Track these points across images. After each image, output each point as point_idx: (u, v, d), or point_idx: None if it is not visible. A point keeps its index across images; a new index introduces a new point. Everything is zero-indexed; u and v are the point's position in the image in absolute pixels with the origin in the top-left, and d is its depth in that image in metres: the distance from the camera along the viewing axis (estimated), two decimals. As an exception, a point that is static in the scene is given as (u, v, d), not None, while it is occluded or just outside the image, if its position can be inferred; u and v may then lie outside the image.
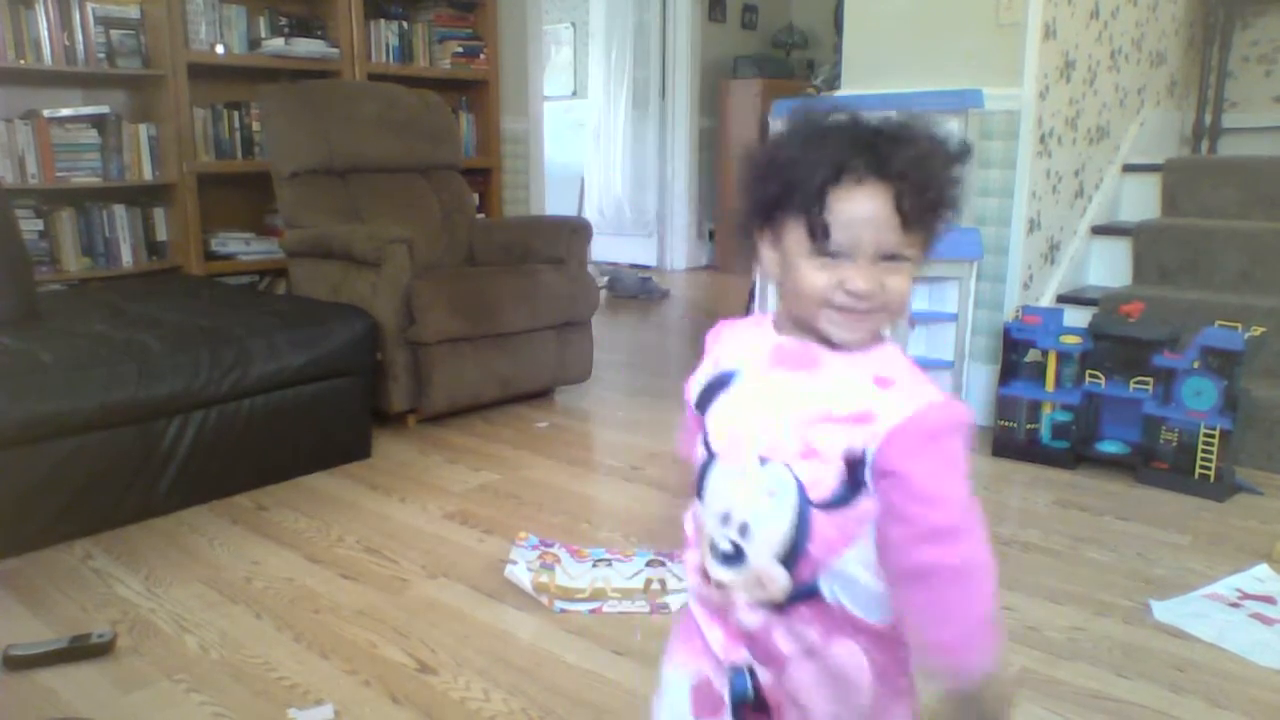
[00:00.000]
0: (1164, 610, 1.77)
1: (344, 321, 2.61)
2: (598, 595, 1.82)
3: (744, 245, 0.82)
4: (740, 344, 0.87)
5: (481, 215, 4.30)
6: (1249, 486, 2.41)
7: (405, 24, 4.25)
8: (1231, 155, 3.93)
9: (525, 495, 2.41)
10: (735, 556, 0.81)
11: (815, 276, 0.76)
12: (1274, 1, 4.07)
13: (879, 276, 0.75)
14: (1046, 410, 2.63)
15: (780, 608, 0.80)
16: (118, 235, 3.47)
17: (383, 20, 4.17)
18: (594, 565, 1.94)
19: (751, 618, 0.82)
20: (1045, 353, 2.60)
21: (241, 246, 3.78)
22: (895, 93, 2.90)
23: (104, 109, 3.42)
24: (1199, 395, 2.36)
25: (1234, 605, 1.79)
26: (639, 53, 6.66)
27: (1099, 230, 3.27)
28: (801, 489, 0.77)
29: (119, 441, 2.14)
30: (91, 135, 3.37)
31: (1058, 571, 1.96)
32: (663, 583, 1.86)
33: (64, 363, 2.07)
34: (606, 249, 6.80)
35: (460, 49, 4.45)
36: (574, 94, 7.23)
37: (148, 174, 3.50)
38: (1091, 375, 2.55)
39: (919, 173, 0.74)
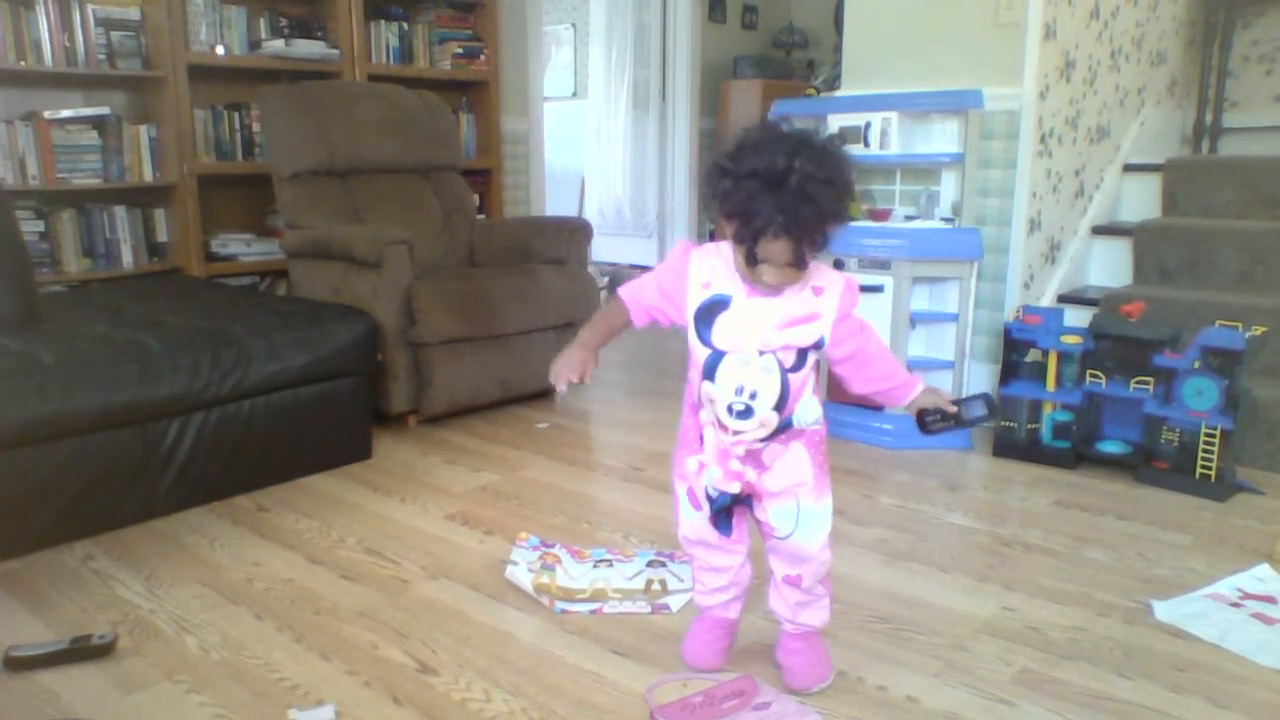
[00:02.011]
0: (1165, 610, 1.77)
1: (344, 322, 2.61)
2: (598, 596, 1.82)
3: (710, 210, 1.44)
4: (721, 275, 1.36)
5: (482, 216, 4.30)
6: (1250, 486, 2.40)
7: (405, 25, 4.25)
8: (1232, 155, 3.93)
9: (526, 496, 2.41)
10: (746, 412, 1.36)
11: (747, 270, 1.31)
12: (1275, 1, 4.07)
13: (783, 273, 1.29)
14: (1047, 410, 2.63)
15: (772, 436, 1.39)
16: (118, 236, 3.47)
17: (383, 21, 4.16)
18: (595, 566, 1.94)
19: (757, 446, 1.39)
20: (1046, 352, 2.60)
21: (242, 247, 3.78)
22: (895, 93, 2.91)
23: (104, 110, 3.42)
24: (1200, 395, 2.36)
25: (1235, 605, 1.79)
26: (639, 53, 6.66)
27: (1099, 230, 3.28)
28: (782, 365, 1.34)
29: (119, 443, 2.14)
30: (92, 136, 3.37)
31: (1058, 571, 1.96)
32: (663, 583, 1.85)
33: (65, 364, 2.07)
34: (607, 249, 6.80)
35: (460, 50, 4.45)
36: (574, 94, 7.23)
37: (148, 175, 3.50)
38: (1092, 375, 2.55)
39: (816, 227, 1.24)
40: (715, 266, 1.36)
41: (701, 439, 1.44)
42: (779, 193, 1.21)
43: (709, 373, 1.37)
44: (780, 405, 1.35)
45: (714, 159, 1.29)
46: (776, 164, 1.21)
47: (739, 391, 1.35)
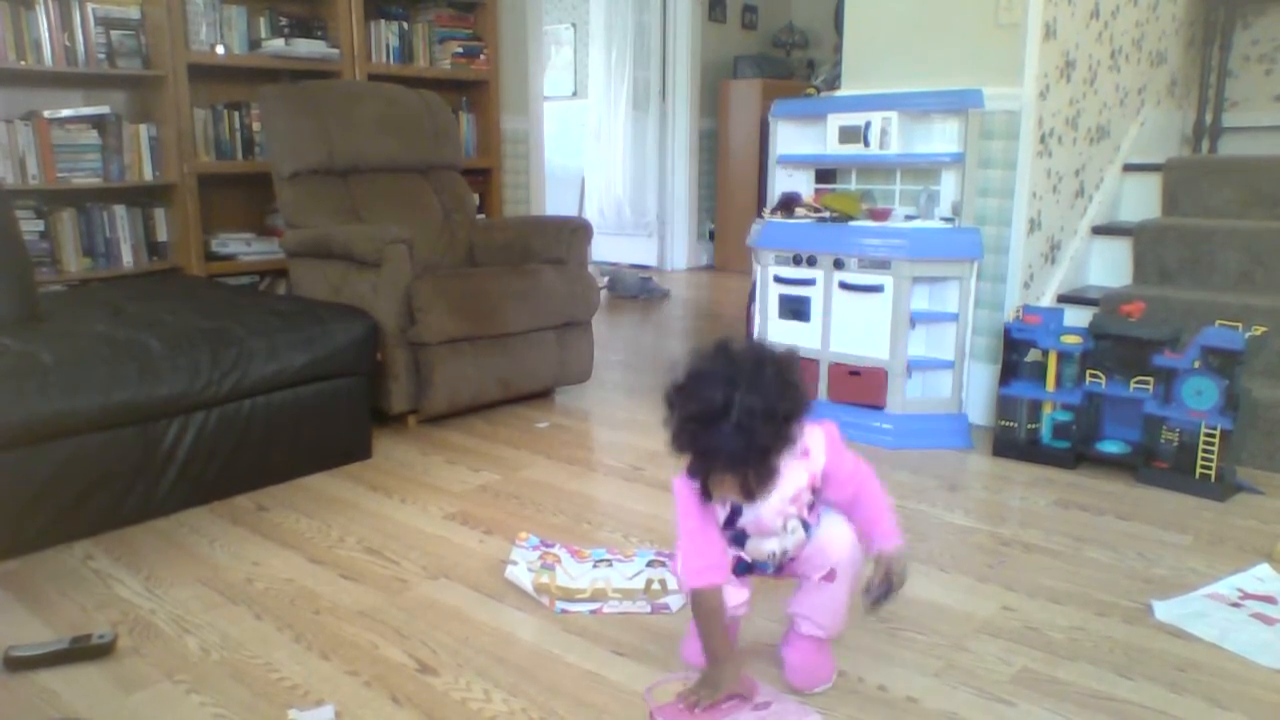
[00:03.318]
0: (1165, 610, 1.77)
1: (344, 322, 2.61)
2: (598, 596, 1.82)
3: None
4: None
5: (482, 215, 4.30)
6: (1250, 486, 2.41)
7: (405, 24, 4.26)
8: (1232, 155, 3.93)
9: (525, 495, 2.41)
10: (781, 567, 1.50)
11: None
12: (1275, 1, 4.07)
13: (736, 495, 1.34)
14: (1047, 410, 2.63)
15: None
16: (118, 236, 3.47)
17: (383, 21, 4.17)
18: (594, 565, 1.94)
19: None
20: (1046, 352, 2.61)
21: (242, 247, 3.78)
22: (895, 92, 2.91)
23: (104, 109, 3.42)
24: (1199, 395, 2.36)
25: (1235, 605, 1.79)
26: (639, 53, 6.66)
27: (1099, 230, 3.27)
28: (802, 518, 1.46)
29: (119, 442, 2.14)
30: (92, 136, 3.37)
31: (1058, 571, 1.96)
32: (663, 583, 1.86)
33: (65, 363, 2.06)
34: (607, 249, 6.81)
35: (460, 49, 4.45)
36: (574, 94, 7.24)
37: (148, 174, 3.50)
38: (1092, 375, 2.55)
39: (759, 461, 1.27)
40: None
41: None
42: (719, 432, 1.24)
43: (740, 543, 1.46)
44: (807, 532, 1.47)
45: (667, 388, 1.31)
46: (715, 403, 1.24)
47: (771, 556, 1.47)
